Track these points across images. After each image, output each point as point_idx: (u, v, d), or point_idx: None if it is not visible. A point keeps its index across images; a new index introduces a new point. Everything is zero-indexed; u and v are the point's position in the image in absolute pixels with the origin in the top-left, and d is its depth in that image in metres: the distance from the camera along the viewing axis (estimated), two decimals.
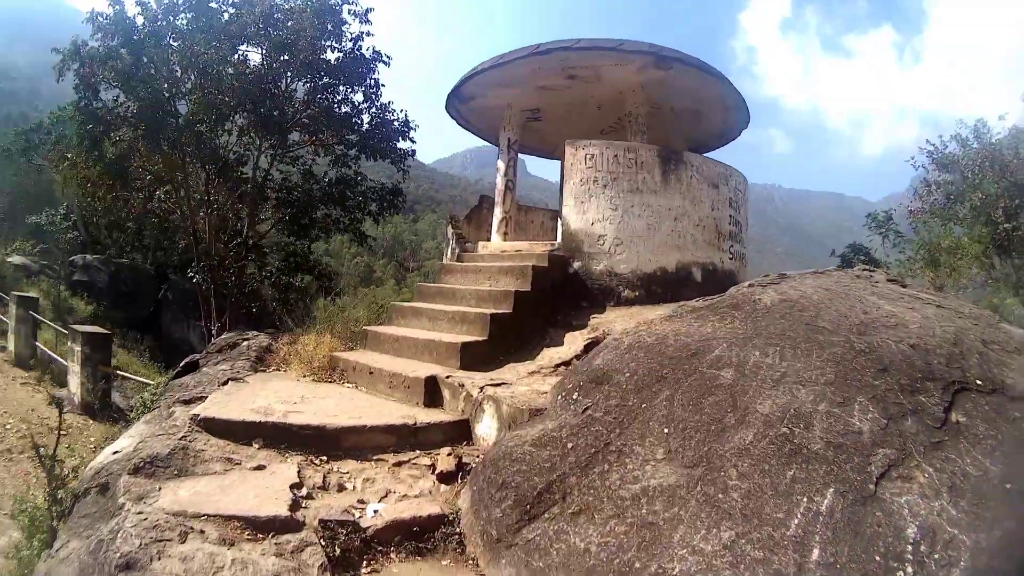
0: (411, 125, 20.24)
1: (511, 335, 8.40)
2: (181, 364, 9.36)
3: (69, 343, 14.25)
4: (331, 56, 18.67)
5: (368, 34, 18.73)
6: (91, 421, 13.01)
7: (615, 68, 11.36)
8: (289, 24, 17.68)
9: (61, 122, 18.31)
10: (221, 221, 19.17)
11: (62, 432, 11.23)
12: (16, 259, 29.38)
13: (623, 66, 11.25)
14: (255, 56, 18.23)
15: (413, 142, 20.58)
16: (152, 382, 11.87)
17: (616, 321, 8.36)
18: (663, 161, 10.02)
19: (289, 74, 18.64)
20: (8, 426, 11.93)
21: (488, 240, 13.34)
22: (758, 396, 3.88)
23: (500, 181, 13.41)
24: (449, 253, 12.93)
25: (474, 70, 12.25)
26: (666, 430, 3.98)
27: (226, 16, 17.54)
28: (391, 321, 9.93)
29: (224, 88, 16.85)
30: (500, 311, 8.47)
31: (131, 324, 27.61)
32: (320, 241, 22.97)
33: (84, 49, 16.58)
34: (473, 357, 7.64)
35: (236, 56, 17.73)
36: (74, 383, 13.79)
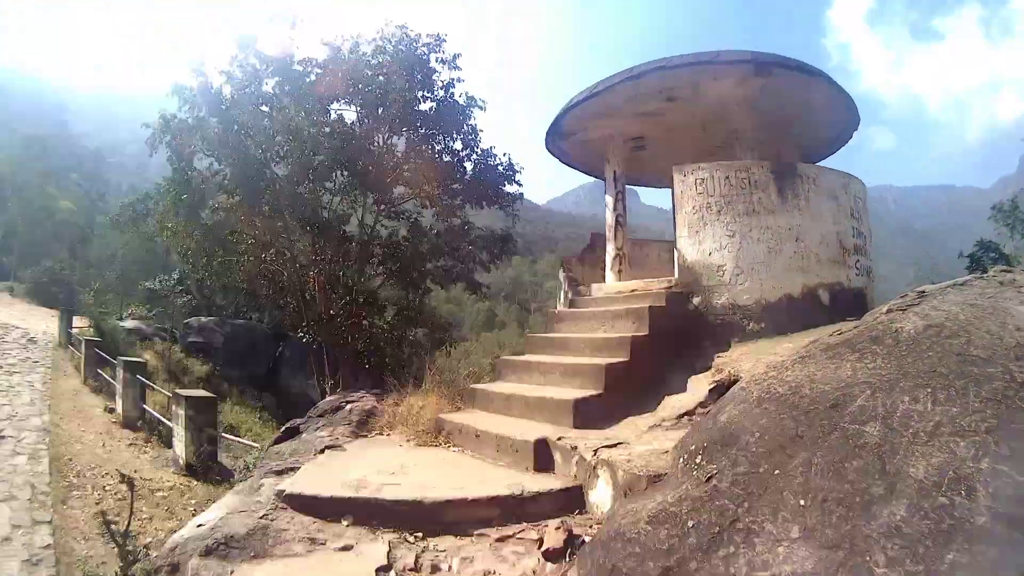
0: (516, 168, 20.00)
1: (629, 386, 7.85)
2: (282, 429, 9.21)
3: (173, 406, 14.53)
4: (425, 107, 18.84)
5: (459, 80, 18.85)
6: (195, 482, 13.18)
7: (714, 83, 10.94)
8: (379, 79, 17.67)
9: (165, 192, 18.60)
10: (329, 280, 19.23)
11: (163, 494, 11.86)
12: (129, 324, 31.05)
13: (722, 79, 10.83)
14: (349, 114, 18.36)
15: (520, 185, 20.44)
16: (256, 444, 12.23)
17: (742, 359, 7.37)
18: (777, 177, 9.23)
19: (386, 129, 18.74)
20: (107, 488, 12.02)
21: (603, 280, 12.86)
22: (910, 456, 3.26)
23: (609, 216, 13.05)
24: (562, 298, 12.48)
25: (568, 104, 11.97)
26: (802, 502, 3.40)
27: (312, 77, 17.64)
28: (500, 376, 9.47)
29: (320, 149, 16.93)
30: (616, 360, 7.94)
31: (249, 381, 28.64)
32: (439, 290, 22.79)
33: (173, 122, 16.97)
34: (588, 414, 7.11)
35: (329, 116, 17.80)
36: (179, 445, 14.02)
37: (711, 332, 8.90)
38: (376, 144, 18.89)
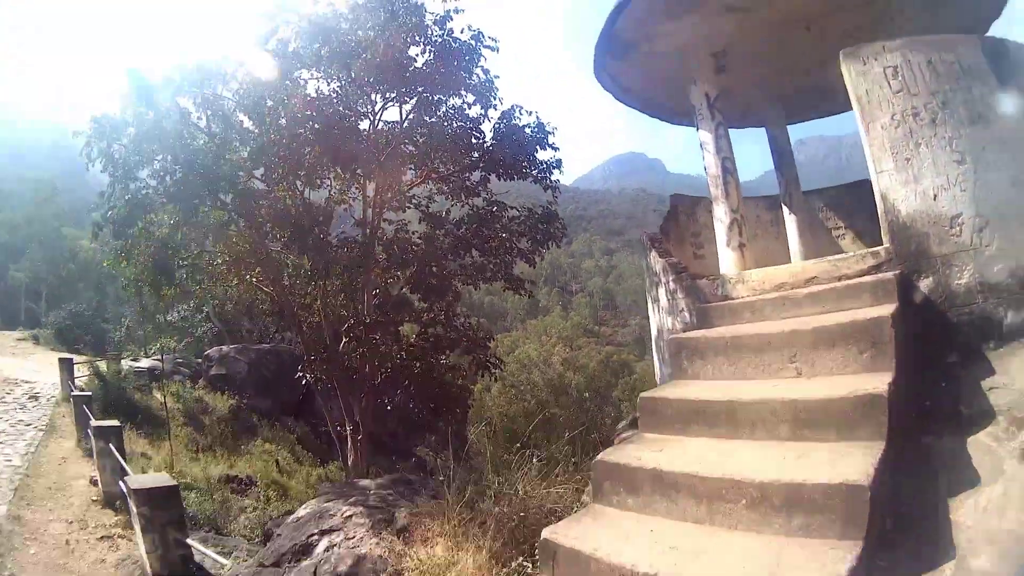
0: (548, 129, 16.29)
1: (897, 508, 3.89)
2: None
3: (129, 501, 11.19)
4: (420, 62, 14.92)
5: (456, 11, 14.62)
6: None
7: None
8: (358, 33, 14.22)
9: (95, 209, 15.29)
10: (328, 301, 15.98)
11: None
12: (145, 362, 29.12)
13: None
14: (317, 84, 15.01)
15: (555, 149, 16.59)
16: (228, 563, 9.45)
17: None
18: (993, 61, 5.88)
19: (376, 97, 15.28)
20: None
21: (707, 261, 9.90)
22: None
23: (712, 161, 9.36)
24: (662, 300, 8.60)
25: None
26: None
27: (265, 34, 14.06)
28: (602, 495, 4.67)
29: (284, 127, 13.58)
30: (869, 461, 3.62)
31: (282, 410, 27.51)
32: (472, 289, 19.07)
33: (107, 124, 13.61)
34: None
35: (300, 88, 14.38)
36: (142, 550, 10.66)
37: (954, 337, 5.41)
38: (365, 116, 15.49)
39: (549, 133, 16.42)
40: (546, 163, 16.47)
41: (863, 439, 3.94)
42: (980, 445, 4.25)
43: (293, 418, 27.43)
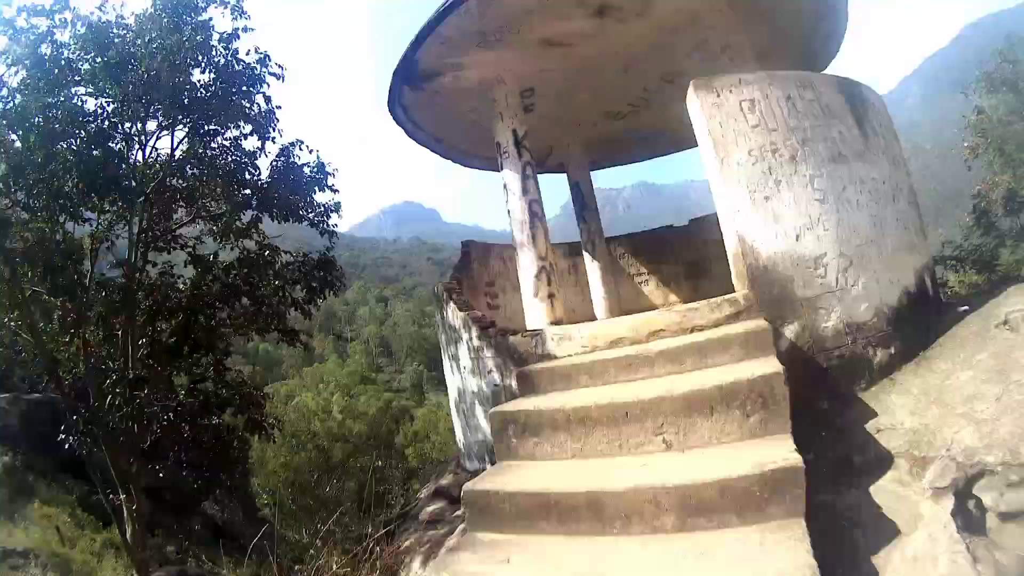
0: (328, 170, 15.01)
1: None
2: None
3: None
4: (201, 84, 13.27)
5: (246, 30, 13.32)
6: None
7: None
8: (137, 43, 12.41)
9: None
10: (91, 350, 13.71)
11: None
12: None
13: None
14: (91, 102, 13.03)
15: (335, 191, 15.33)
16: None
17: (924, 422, 4.66)
18: (849, 100, 6.36)
19: (149, 120, 13.45)
20: None
21: (509, 312, 10.08)
22: None
23: (518, 205, 8.80)
24: (466, 364, 7.87)
25: (439, 11, 7.59)
26: None
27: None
28: None
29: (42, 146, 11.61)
30: (798, 560, 2.88)
31: (61, 467, 24.39)
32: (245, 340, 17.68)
33: None
34: None
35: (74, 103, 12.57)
36: None
37: (823, 383, 5.50)
38: (134, 141, 13.24)
39: (329, 174, 15.19)
40: (324, 206, 15.22)
41: (776, 519, 3.29)
42: (887, 493, 4.20)
43: (72, 476, 24.30)
